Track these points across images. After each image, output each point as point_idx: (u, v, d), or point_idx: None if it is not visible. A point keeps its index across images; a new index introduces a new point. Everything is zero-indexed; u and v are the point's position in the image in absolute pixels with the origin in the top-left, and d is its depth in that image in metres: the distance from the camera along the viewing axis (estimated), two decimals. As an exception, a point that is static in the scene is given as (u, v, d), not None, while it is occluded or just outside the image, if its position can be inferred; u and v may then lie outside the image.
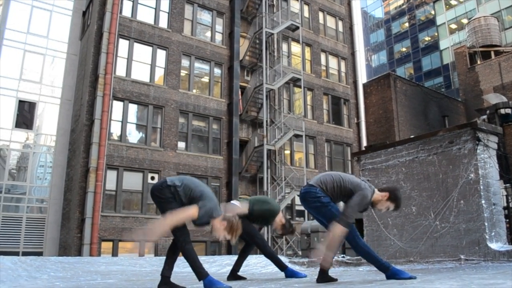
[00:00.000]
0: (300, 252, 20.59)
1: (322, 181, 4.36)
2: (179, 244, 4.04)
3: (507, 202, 10.64)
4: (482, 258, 5.64)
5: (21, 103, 21.23)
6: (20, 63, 21.32)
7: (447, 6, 47.82)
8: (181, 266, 8.06)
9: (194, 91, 21.78)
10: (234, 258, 8.83)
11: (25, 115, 21.53)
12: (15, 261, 6.61)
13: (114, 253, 17.66)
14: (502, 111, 23.62)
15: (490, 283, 2.98)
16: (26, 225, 20.00)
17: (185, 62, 21.70)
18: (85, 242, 16.99)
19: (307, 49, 26.75)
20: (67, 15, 23.30)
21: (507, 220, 9.37)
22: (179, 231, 4.00)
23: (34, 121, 21.60)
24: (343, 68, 28.49)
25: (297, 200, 22.98)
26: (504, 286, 2.77)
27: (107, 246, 17.76)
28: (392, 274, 4.07)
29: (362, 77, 30.52)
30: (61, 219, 20.34)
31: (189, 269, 7.54)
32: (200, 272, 3.97)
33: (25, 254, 18.45)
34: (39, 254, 18.90)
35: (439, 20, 48.65)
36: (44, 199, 21.02)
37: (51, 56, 22.51)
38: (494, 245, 5.65)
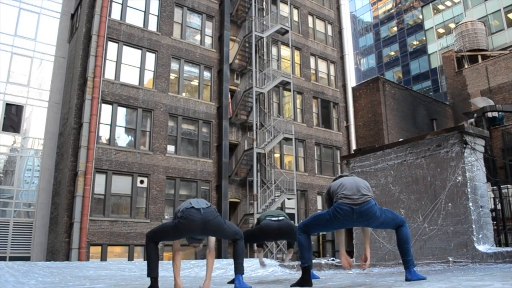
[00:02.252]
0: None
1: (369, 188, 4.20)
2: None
3: (494, 204, 10.76)
4: (470, 260, 5.70)
5: (8, 106, 20.99)
6: (7, 65, 21.09)
7: (435, 11, 48.34)
8: (170, 270, 8.01)
9: (184, 94, 21.73)
10: (224, 262, 8.81)
11: (12, 118, 21.29)
12: (2, 266, 6.53)
13: (103, 257, 17.51)
14: (489, 114, 23.93)
15: (478, 285, 3.01)
16: (13, 229, 19.74)
17: (174, 65, 21.65)
18: (74, 246, 16.82)
19: (297, 53, 26.84)
20: (55, 17, 23.12)
21: (494, 222, 9.47)
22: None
23: (21, 124, 21.37)
24: (332, 72, 28.63)
25: (287, 204, 23.02)
26: (491, 287, 2.80)
27: (95, 250, 17.60)
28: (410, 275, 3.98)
29: (351, 81, 30.68)
30: (49, 224, 20.11)
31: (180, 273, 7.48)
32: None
33: (12, 259, 18.22)
34: (27, 259, 18.68)
35: (427, 25, 49.16)
36: (31, 203, 20.78)
37: (39, 59, 22.31)
38: (482, 247, 5.70)
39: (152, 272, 4.08)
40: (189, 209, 4.04)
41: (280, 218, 5.50)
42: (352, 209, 3.93)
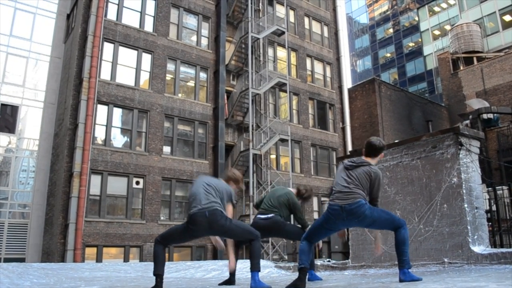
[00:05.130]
0: (286, 257, 20.60)
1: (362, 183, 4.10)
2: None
3: (489, 205, 10.80)
4: (465, 261, 5.72)
5: (3, 106, 20.90)
6: (3, 66, 21.01)
7: (431, 13, 48.53)
8: (166, 272, 7.99)
9: (180, 95, 21.71)
10: (220, 263, 8.80)
11: (7, 118, 21.20)
12: (-4, 267, 6.49)
13: (98, 259, 17.45)
14: (485, 116, 24.02)
15: (473, 286, 3.01)
16: (8, 230, 19.64)
17: (170, 66, 21.62)
18: (69, 248, 16.75)
19: (293, 54, 26.87)
20: (51, 17, 23.05)
21: (489, 223, 9.50)
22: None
23: (16, 125, 21.28)
24: (328, 73, 28.67)
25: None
26: (487, 289, 2.80)
27: (91, 252, 17.54)
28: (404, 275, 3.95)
29: (347, 82, 30.75)
30: (44, 225, 20.03)
31: (175, 274, 7.49)
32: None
33: (7, 260, 18.11)
34: (22, 260, 18.58)
35: (423, 26, 49.34)
36: (26, 204, 20.69)
37: (34, 59, 22.24)
38: (477, 248, 5.72)
39: (158, 269, 4.13)
40: (196, 213, 4.13)
41: (270, 216, 5.39)
42: (341, 207, 3.95)
